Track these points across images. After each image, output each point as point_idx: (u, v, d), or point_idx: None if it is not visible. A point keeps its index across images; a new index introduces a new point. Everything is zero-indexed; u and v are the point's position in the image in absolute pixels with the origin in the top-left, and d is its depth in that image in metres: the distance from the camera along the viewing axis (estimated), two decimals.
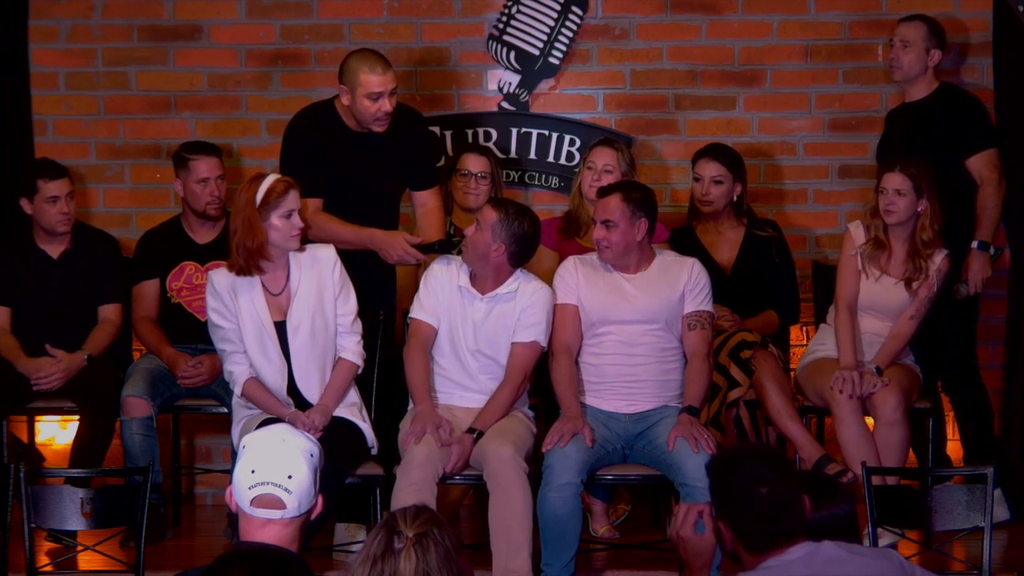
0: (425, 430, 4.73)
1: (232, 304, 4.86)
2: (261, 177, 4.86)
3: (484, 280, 4.95)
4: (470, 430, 4.80)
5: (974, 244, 5.54)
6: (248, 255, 4.82)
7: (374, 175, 5.24)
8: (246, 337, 4.87)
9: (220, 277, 4.89)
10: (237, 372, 4.90)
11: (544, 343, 4.93)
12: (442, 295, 4.95)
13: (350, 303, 4.96)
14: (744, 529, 3.07)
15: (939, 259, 5.27)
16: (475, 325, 4.92)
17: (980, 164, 5.60)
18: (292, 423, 4.68)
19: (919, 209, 5.24)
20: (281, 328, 4.88)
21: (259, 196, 4.79)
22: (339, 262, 4.95)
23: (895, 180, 5.23)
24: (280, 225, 4.81)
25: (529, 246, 4.95)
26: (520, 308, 4.91)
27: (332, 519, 5.15)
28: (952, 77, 6.02)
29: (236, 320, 4.87)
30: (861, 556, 3.06)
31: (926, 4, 5.99)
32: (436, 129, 6.09)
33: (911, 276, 5.25)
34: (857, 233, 5.34)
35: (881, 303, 5.29)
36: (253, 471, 3.02)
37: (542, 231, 5.49)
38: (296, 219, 4.83)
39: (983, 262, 5.56)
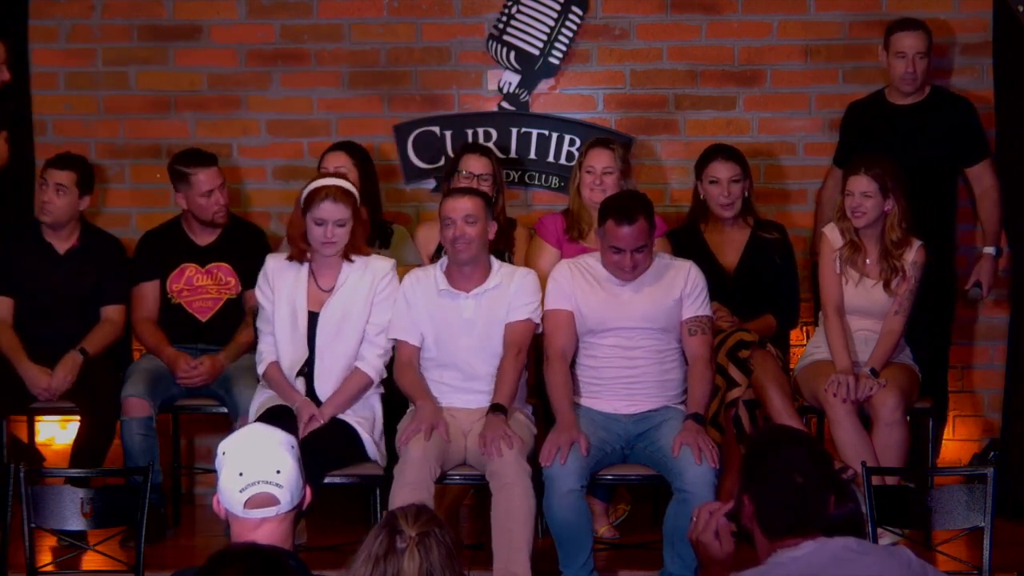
0: (420, 428, 4.72)
1: (274, 285, 4.97)
2: (324, 175, 5.01)
3: (470, 278, 4.93)
4: (495, 407, 4.77)
5: (990, 250, 5.63)
6: (292, 243, 4.98)
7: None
8: (277, 316, 4.95)
9: (274, 261, 5.04)
10: (266, 353, 5.02)
11: (537, 321, 4.94)
12: (422, 307, 4.93)
13: (383, 315, 4.96)
14: (767, 511, 3.05)
15: (913, 253, 5.25)
16: (468, 323, 4.91)
17: (982, 172, 5.65)
18: (300, 410, 4.83)
19: (886, 209, 5.21)
20: (313, 319, 4.93)
21: (304, 194, 4.92)
22: (395, 276, 4.98)
23: (861, 183, 5.20)
24: (312, 228, 4.89)
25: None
26: (512, 293, 4.91)
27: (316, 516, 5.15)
28: (951, 77, 6.03)
29: (274, 302, 4.96)
30: (868, 555, 3.03)
31: (926, 4, 5.98)
32: (436, 129, 6.09)
33: (888, 277, 5.23)
34: (833, 236, 5.31)
35: (866, 306, 5.26)
36: (241, 474, 3.02)
37: (544, 227, 5.51)
38: (331, 230, 4.86)
39: (995, 266, 5.65)
